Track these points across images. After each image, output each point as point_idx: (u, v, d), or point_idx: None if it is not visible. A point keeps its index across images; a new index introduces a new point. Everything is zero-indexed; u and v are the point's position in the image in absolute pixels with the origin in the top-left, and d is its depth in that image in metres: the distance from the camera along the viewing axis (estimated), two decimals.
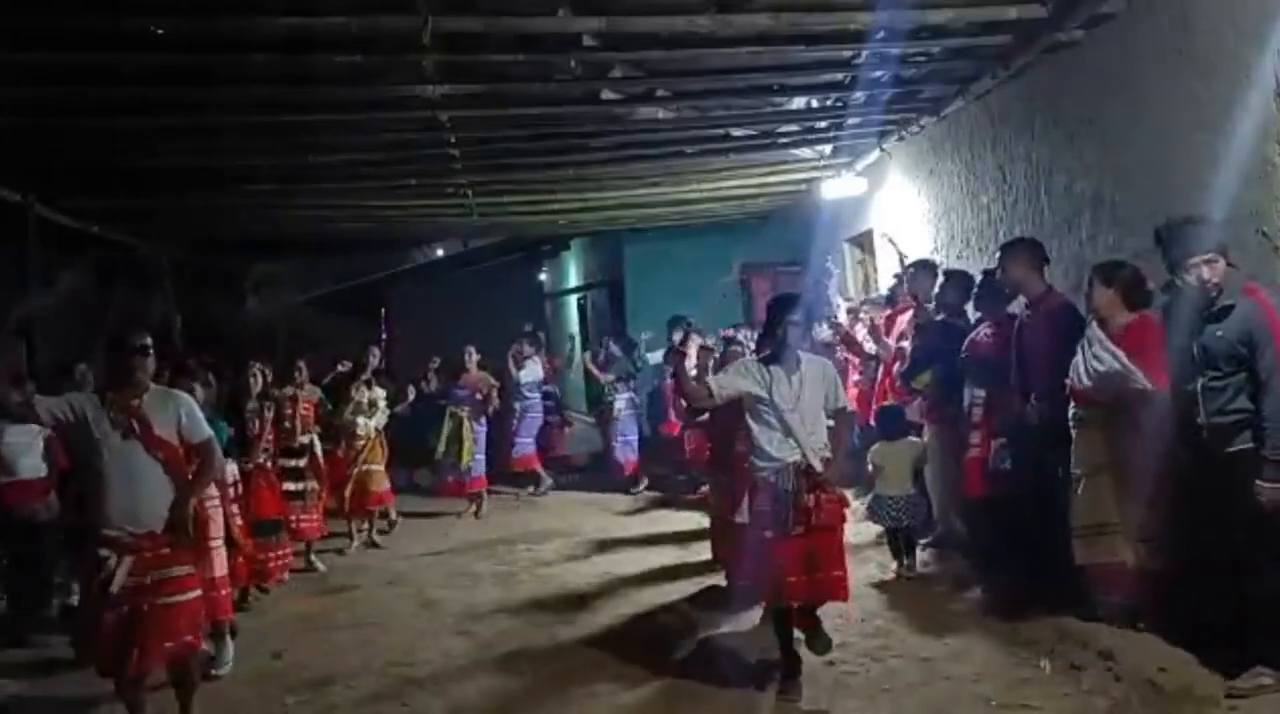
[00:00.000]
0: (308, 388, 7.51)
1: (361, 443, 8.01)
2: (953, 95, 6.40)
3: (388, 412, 8.31)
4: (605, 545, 7.72)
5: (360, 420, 8.01)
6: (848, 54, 5.68)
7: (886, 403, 6.55)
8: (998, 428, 5.30)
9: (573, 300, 17.17)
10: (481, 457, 9.24)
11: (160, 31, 4.59)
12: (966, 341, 5.60)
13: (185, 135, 6.29)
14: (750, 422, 4.40)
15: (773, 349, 4.41)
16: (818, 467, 4.25)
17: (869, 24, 4.98)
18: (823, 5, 4.85)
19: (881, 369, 7.01)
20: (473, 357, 9.27)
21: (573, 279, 17.15)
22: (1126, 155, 4.94)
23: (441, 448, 9.15)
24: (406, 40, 4.77)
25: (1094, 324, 4.48)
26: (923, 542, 6.23)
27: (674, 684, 4.63)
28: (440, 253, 16.93)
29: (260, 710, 4.73)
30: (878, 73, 6.00)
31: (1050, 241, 5.67)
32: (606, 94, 6.11)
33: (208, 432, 4.19)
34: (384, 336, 11.14)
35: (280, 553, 6.54)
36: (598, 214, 10.29)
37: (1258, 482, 3.59)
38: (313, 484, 7.17)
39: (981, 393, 5.44)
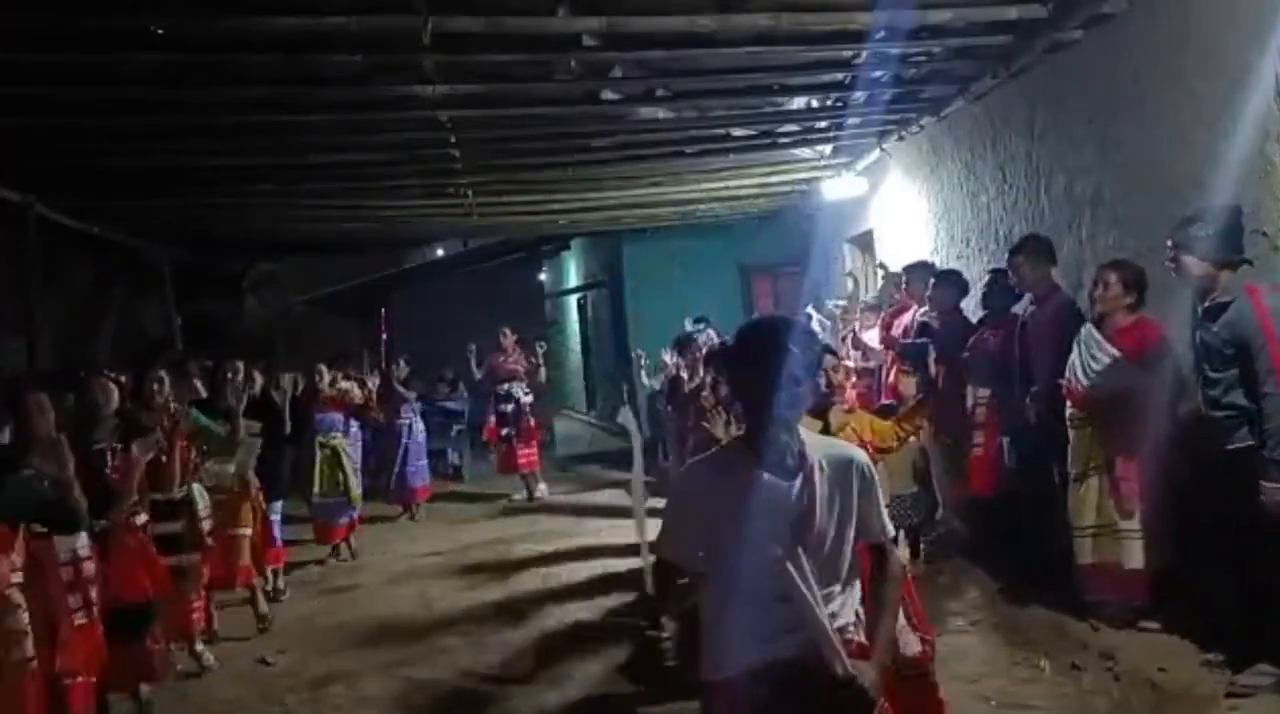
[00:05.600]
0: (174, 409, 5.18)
1: (221, 497, 5.58)
2: (953, 95, 6.40)
3: (256, 451, 5.95)
4: (607, 544, 7.72)
5: (211, 466, 5.53)
6: (848, 54, 5.68)
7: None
8: (1003, 427, 5.31)
9: (573, 300, 17.18)
10: (359, 489, 7.97)
11: (160, 31, 4.59)
12: (970, 341, 5.61)
13: (185, 135, 6.28)
14: (706, 577, 2.31)
15: (751, 431, 2.31)
16: (839, 666, 2.12)
17: (869, 24, 4.97)
18: (823, 5, 4.84)
19: (883, 371, 7.00)
20: (324, 376, 7.98)
21: (573, 279, 17.16)
22: (1126, 155, 4.94)
23: (317, 486, 7.58)
24: (406, 40, 4.76)
25: (1090, 324, 4.49)
26: (925, 539, 6.23)
27: (675, 685, 4.62)
28: (440, 253, 16.94)
29: (260, 711, 4.74)
30: (878, 73, 6.00)
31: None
32: (606, 94, 6.10)
33: None
34: (384, 337, 11.09)
35: (155, 649, 4.55)
36: (598, 214, 10.28)
37: (1262, 482, 3.56)
38: (193, 557, 5.09)
39: (986, 392, 5.45)
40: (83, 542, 4.00)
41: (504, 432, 10.00)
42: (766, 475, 2.22)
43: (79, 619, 3.92)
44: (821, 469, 2.25)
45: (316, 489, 7.64)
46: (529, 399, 10.03)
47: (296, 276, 14.10)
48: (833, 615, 2.20)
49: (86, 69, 5.06)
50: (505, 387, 9.99)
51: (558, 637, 5.54)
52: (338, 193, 8.24)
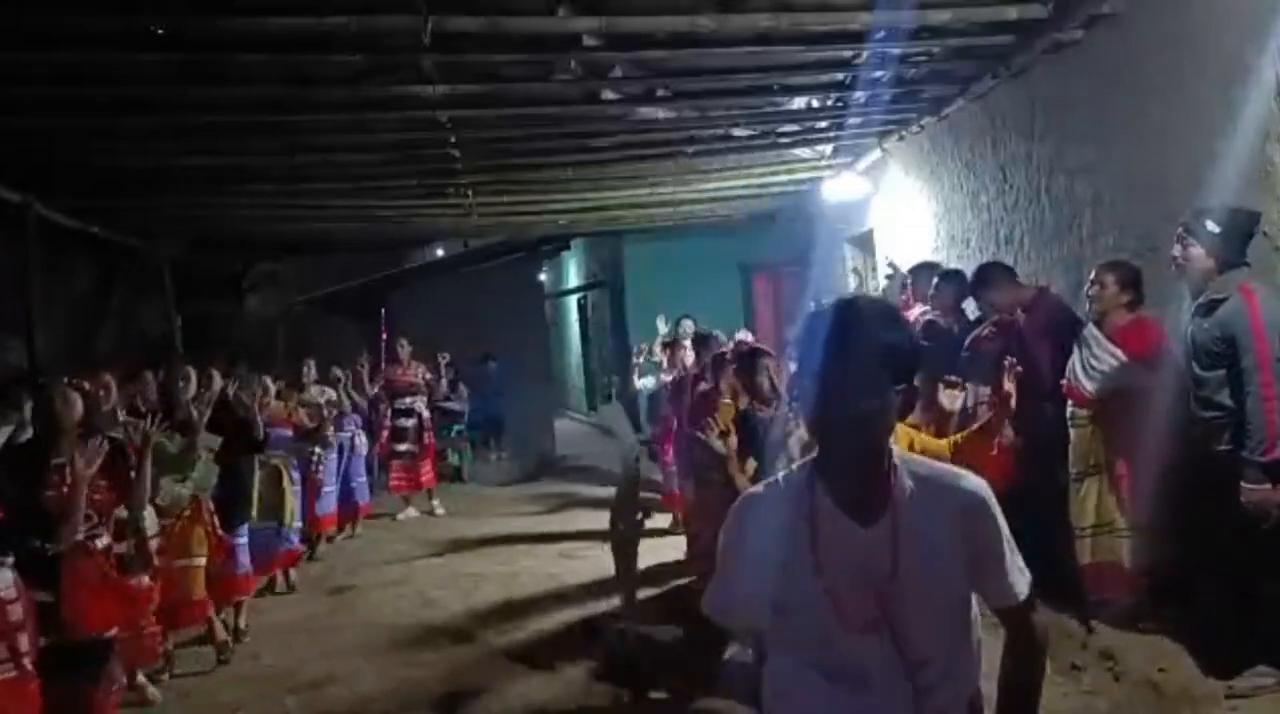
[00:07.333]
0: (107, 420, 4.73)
1: (169, 522, 5.04)
2: (953, 95, 6.40)
3: (215, 468, 5.36)
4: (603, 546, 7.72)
5: (165, 484, 4.96)
6: (848, 54, 5.68)
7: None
8: (1011, 425, 5.30)
9: (573, 300, 17.19)
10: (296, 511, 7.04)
11: (160, 31, 4.59)
12: (969, 339, 5.60)
13: (185, 135, 6.29)
14: (767, 644, 1.82)
15: (819, 454, 1.73)
16: None
17: (869, 24, 4.97)
18: (823, 5, 4.84)
19: None
20: (270, 387, 6.95)
21: (573, 279, 17.18)
22: (1126, 155, 4.94)
23: (254, 510, 6.24)
24: (406, 40, 4.77)
25: (1090, 324, 4.49)
26: None
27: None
28: (440, 253, 16.93)
29: (260, 710, 4.74)
30: (878, 73, 5.99)
31: (1050, 242, 5.69)
32: (606, 94, 6.10)
33: None
34: (384, 337, 11.07)
35: (111, 692, 4.07)
36: (598, 214, 10.29)
37: (1242, 484, 3.57)
38: (143, 579, 4.49)
39: (987, 390, 5.43)
40: (6, 580, 3.44)
41: (403, 448, 9.49)
42: (837, 516, 1.65)
43: (7, 673, 3.38)
44: (915, 507, 1.66)
45: (255, 513, 6.29)
46: (429, 414, 9.70)
47: (296, 276, 14.08)
48: (939, 696, 1.69)
49: (86, 69, 5.07)
50: (406, 401, 9.58)
51: (557, 636, 5.54)
52: (338, 193, 8.25)
